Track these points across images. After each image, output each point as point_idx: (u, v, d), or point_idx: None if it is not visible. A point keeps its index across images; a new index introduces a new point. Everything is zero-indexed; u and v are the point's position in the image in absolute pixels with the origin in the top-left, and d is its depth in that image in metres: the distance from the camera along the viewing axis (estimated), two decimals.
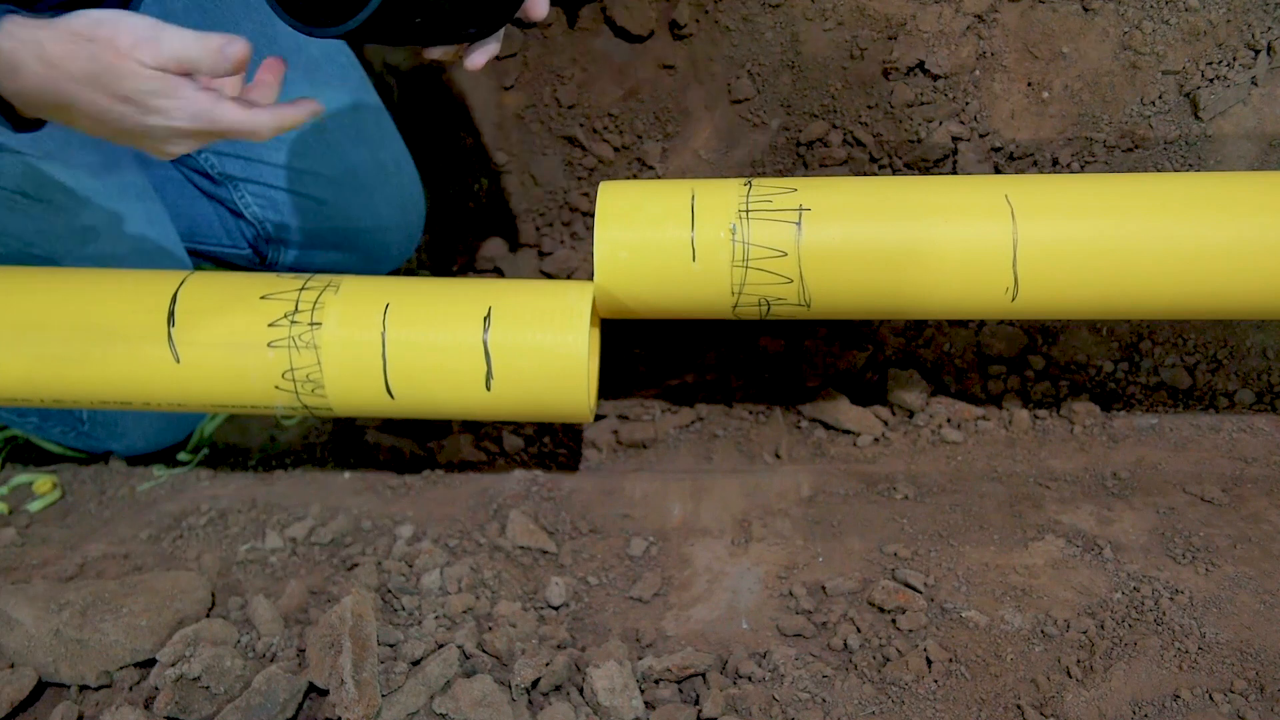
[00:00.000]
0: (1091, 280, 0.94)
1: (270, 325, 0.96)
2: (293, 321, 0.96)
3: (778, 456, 1.21)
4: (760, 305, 0.98)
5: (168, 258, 1.16)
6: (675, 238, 0.96)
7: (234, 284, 1.00)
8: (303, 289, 0.98)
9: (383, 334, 0.96)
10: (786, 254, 0.94)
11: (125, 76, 0.76)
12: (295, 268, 1.34)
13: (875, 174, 1.29)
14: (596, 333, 1.05)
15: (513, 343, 0.96)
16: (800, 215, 0.95)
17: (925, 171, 1.27)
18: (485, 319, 0.95)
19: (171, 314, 0.96)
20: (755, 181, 0.99)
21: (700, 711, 0.83)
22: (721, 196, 0.97)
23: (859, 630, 0.90)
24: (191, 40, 0.78)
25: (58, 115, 0.81)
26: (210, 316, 0.97)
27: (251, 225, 1.31)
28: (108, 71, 0.76)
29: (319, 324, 0.96)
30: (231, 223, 1.32)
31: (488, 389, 0.96)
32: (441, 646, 0.87)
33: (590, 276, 1.04)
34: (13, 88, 0.78)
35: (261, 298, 0.97)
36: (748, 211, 0.95)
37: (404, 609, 0.93)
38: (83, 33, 0.76)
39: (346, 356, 0.96)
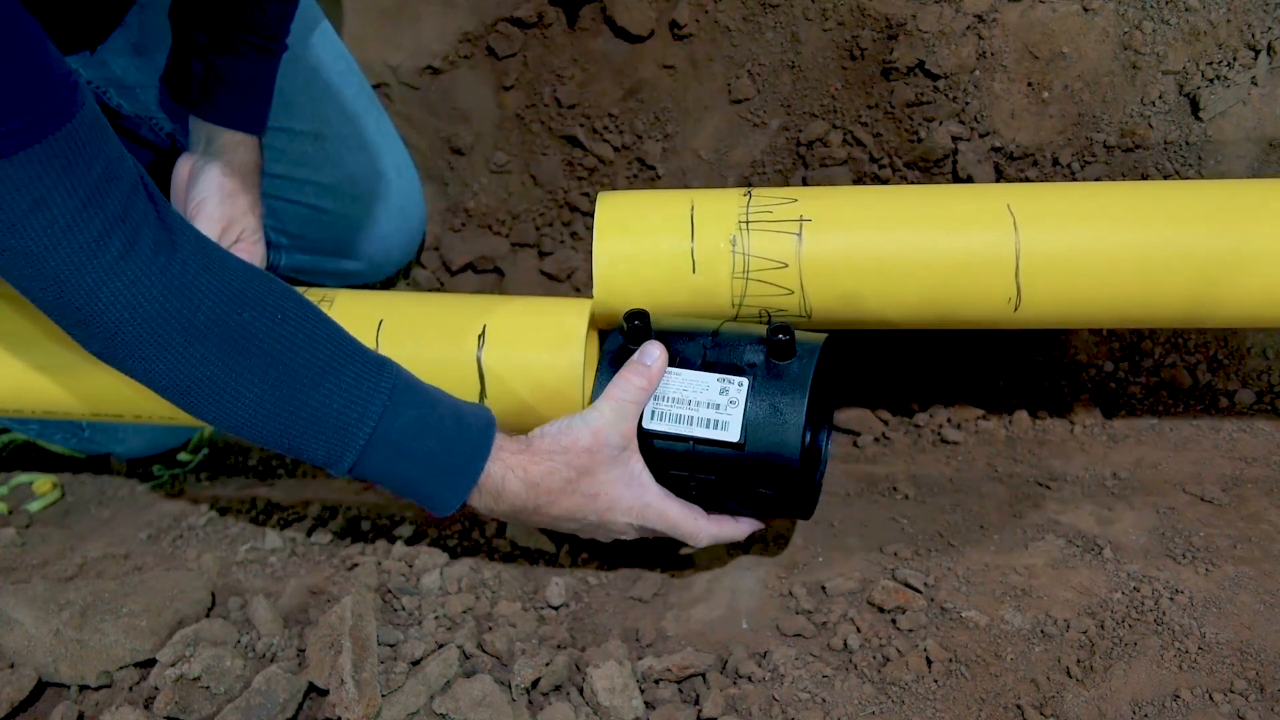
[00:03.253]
0: (1095, 289, 0.93)
1: None
2: None
3: None
4: (761, 317, 0.97)
5: None
6: (675, 249, 0.95)
7: None
8: None
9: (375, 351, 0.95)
10: (787, 265, 0.94)
11: (596, 471, 0.83)
12: (296, 273, 1.33)
13: (876, 174, 1.29)
14: (594, 349, 1.03)
15: (507, 362, 0.95)
16: (801, 226, 0.94)
17: (925, 171, 1.26)
18: (480, 337, 0.95)
19: None
20: (755, 191, 0.98)
21: (700, 711, 0.83)
22: (721, 207, 0.96)
23: (859, 630, 0.90)
24: (632, 404, 0.85)
25: (524, 519, 0.88)
26: None
27: None
28: (582, 475, 0.83)
29: None
30: None
31: None
32: (441, 646, 0.87)
33: (590, 276, 1.03)
34: (492, 506, 0.84)
35: None
36: (748, 222, 0.95)
37: (404, 609, 0.93)
38: (552, 449, 0.83)
39: None
